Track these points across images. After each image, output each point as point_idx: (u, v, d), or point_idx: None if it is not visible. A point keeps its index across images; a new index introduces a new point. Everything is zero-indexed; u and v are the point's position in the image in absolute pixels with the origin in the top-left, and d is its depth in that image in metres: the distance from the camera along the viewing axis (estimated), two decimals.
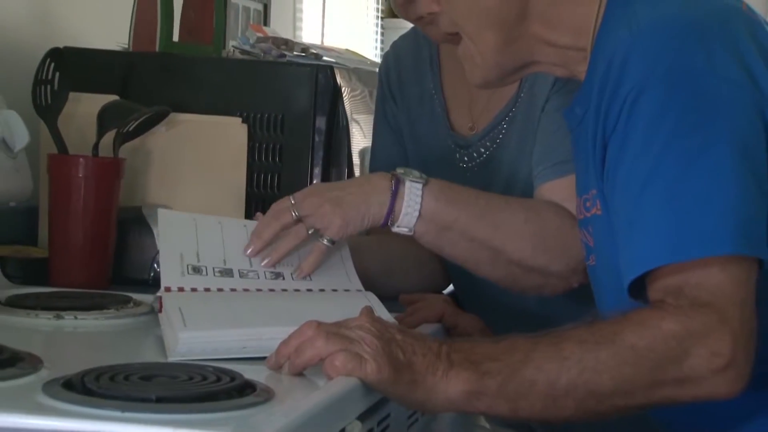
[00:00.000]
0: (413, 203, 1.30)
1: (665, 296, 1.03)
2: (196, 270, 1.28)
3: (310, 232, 1.31)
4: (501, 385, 1.00)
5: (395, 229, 1.32)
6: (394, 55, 1.66)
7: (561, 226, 1.33)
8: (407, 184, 1.31)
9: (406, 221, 1.31)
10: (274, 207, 1.32)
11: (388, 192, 1.30)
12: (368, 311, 1.06)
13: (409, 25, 1.58)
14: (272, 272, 1.32)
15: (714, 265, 1.02)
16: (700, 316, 1.01)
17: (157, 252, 1.45)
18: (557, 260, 1.34)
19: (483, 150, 1.52)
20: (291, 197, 1.32)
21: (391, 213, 1.31)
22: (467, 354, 1.01)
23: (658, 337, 1.00)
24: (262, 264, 1.31)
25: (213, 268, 1.29)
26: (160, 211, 1.35)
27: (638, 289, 1.07)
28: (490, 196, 1.37)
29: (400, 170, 1.32)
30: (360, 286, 1.34)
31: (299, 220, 1.30)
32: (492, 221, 1.33)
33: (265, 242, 1.31)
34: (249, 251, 1.31)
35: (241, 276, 1.30)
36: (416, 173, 1.32)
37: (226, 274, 1.29)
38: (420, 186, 1.31)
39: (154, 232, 1.49)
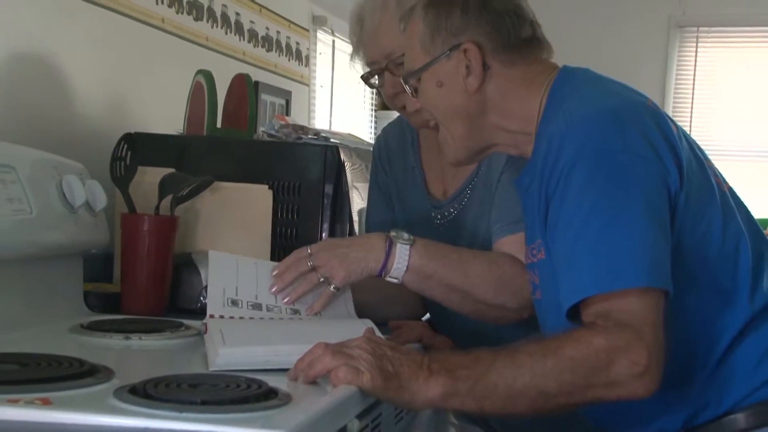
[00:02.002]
0: (402, 261, 1.29)
1: (595, 319, 1.02)
2: (234, 303, 1.27)
3: (321, 280, 1.30)
4: (470, 387, 0.98)
5: (387, 278, 1.31)
6: (384, 137, 1.65)
7: (515, 273, 1.31)
8: (398, 246, 1.30)
9: (395, 273, 1.30)
10: (295, 253, 1.32)
11: (383, 252, 1.29)
12: (370, 331, 1.06)
13: (396, 115, 1.59)
14: (291, 309, 1.30)
15: (633, 294, 1.02)
16: (623, 334, 0.99)
17: (204, 287, 1.44)
18: (512, 299, 1.33)
19: (452, 210, 1.51)
20: (308, 247, 1.31)
21: (384, 267, 1.30)
22: (444, 364, 1.00)
23: (590, 350, 0.99)
24: (283, 301, 1.30)
25: (247, 302, 1.28)
26: (211, 252, 1.33)
27: (574, 314, 1.05)
28: (462, 251, 1.36)
29: (393, 233, 1.31)
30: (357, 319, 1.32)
31: (313, 268, 1.30)
32: (463, 271, 1.32)
33: (286, 284, 1.30)
34: (274, 289, 1.30)
35: (267, 310, 1.29)
36: (405, 236, 1.31)
37: (256, 308, 1.28)
38: (408, 247, 1.30)
39: (201, 272, 1.49)
